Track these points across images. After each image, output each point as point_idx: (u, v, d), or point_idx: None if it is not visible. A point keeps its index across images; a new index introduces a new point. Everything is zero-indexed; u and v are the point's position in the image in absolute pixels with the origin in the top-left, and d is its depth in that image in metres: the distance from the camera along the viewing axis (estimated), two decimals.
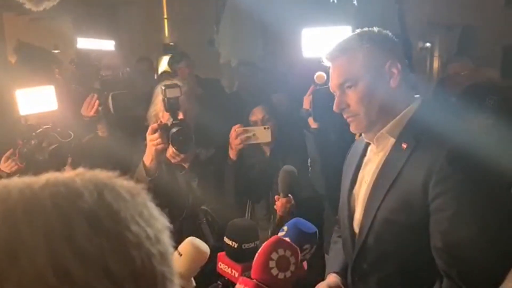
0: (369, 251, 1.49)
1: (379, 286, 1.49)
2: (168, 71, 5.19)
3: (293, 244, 1.17)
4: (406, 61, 1.55)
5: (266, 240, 1.27)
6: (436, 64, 6.98)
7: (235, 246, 1.36)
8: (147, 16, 7.03)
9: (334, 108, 1.52)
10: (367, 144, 1.62)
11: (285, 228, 1.30)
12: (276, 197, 2.12)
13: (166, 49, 6.73)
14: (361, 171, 1.60)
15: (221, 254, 1.40)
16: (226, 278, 1.37)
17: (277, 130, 2.61)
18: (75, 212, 0.51)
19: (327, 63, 1.56)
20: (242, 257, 1.34)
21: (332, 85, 1.54)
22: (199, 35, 6.19)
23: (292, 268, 1.13)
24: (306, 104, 2.32)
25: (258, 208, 2.71)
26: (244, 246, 1.35)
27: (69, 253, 0.48)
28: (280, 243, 1.16)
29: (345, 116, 1.54)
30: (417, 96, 1.54)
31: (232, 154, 2.28)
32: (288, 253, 1.13)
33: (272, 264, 1.11)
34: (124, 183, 0.58)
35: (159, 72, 6.46)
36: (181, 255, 1.24)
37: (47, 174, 0.56)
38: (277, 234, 1.32)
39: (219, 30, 5.67)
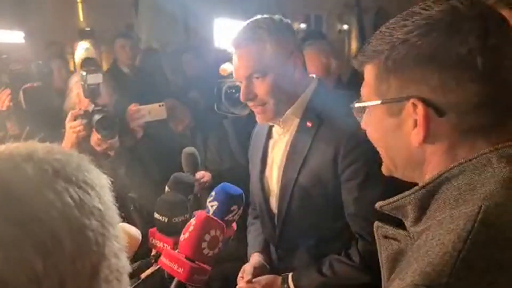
0: (290, 228, 1.56)
1: (304, 258, 1.56)
2: (91, 58, 4.93)
3: (220, 221, 1.21)
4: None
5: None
6: (354, 45, 7.26)
7: (165, 221, 1.37)
8: None
9: (241, 98, 1.49)
10: (271, 126, 1.63)
11: (212, 193, 1.32)
12: None
13: (82, 35, 6.41)
14: (269, 154, 1.62)
15: (152, 230, 1.41)
16: (158, 253, 1.37)
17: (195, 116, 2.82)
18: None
19: (232, 50, 1.50)
20: (172, 231, 1.36)
21: (239, 75, 1.49)
22: (117, 19, 5.94)
23: (220, 245, 1.19)
24: None
25: None
26: (174, 220, 1.37)
27: None
28: (211, 224, 1.18)
29: (251, 105, 1.51)
30: (312, 75, 1.58)
31: (136, 132, 2.24)
32: (218, 232, 1.18)
33: (204, 245, 1.16)
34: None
35: (76, 59, 6.15)
36: None
37: None
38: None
39: (138, 14, 5.49)
